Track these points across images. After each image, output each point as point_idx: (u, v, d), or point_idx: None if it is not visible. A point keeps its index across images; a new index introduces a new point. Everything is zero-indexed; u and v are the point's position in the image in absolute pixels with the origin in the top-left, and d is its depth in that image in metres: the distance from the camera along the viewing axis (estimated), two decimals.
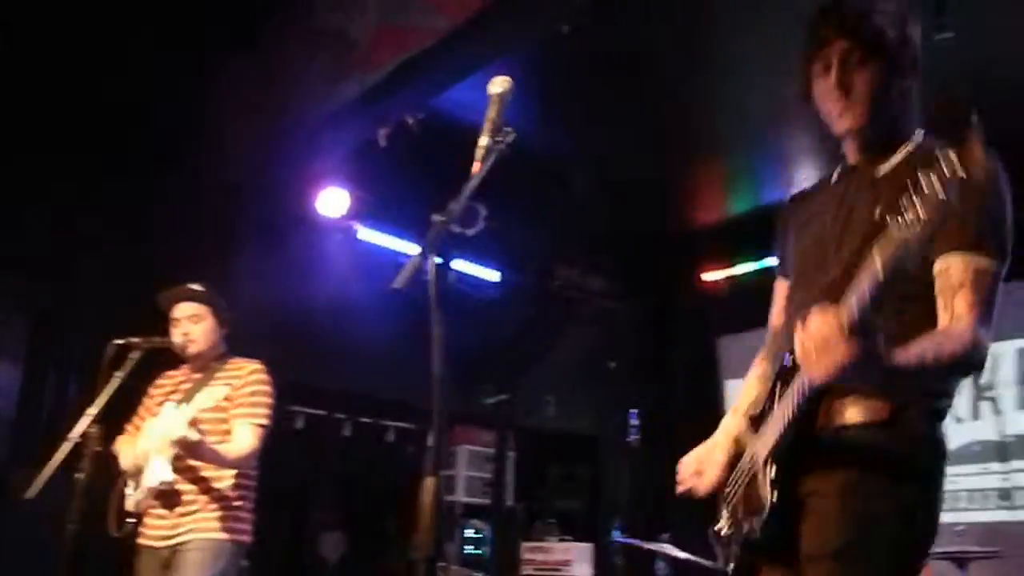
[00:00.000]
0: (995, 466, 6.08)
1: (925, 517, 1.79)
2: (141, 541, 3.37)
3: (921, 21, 2.05)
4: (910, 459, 1.81)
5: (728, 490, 2.05)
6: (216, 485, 3.35)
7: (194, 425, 3.11)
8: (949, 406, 1.88)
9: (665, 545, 5.18)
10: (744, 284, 7.85)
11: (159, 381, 3.66)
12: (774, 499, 1.81)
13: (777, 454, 1.83)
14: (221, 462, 3.28)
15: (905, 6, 1.93)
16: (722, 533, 2.05)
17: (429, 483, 1.61)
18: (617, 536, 5.47)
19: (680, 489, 2.16)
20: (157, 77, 5.62)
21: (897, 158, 1.92)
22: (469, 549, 7.47)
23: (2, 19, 5.10)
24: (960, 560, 4.66)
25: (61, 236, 5.75)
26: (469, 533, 7.52)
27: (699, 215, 7.75)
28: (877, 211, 1.78)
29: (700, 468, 2.14)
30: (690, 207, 7.61)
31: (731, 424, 2.16)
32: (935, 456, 1.83)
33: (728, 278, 7.95)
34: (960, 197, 1.69)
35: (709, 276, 8.00)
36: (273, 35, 5.93)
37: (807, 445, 1.82)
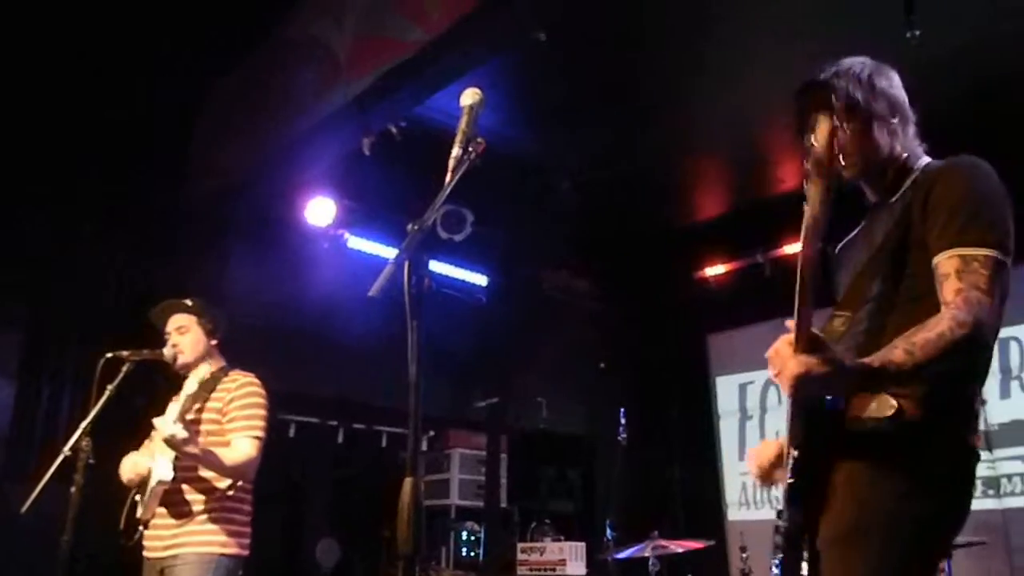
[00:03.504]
0: (981, 455, 6.14)
1: (928, 507, 1.83)
2: (144, 552, 3.39)
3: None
4: (906, 448, 1.86)
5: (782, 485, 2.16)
6: (215, 495, 3.36)
7: (183, 422, 3.13)
8: (960, 392, 1.91)
9: (656, 541, 5.24)
10: (732, 282, 7.93)
11: (176, 395, 3.69)
12: (791, 480, 1.92)
13: (792, 441, 1.94)
14: (217, 465, 3.29)
15: (868, 65, 2.14)
16: (775, 525, 2.14)
17: (408, 483, 1.67)
18: (609, 536, 5.52)
19: (753, 475, 2.30)
20: (147, 93, 5.67)
21: (905, 186, 2.09)
22: (464, 551, 7.52)
23: (4, 27, 5.14)
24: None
25: (52, 251, 5.79)
26: (464, 535, 7.57)
27: (686, 215, 7.81)
28: (882, 232, 2.02)
29: (758, 461, 2.27)
30: (677, 207, 7.66)
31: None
32: (936, 444, 1.87)
33: (716, 276, 8.02)
34: (937, 201, 1.91)
35: (698, 275, 8.07)
36: (263, 48, 5.98)
37: (826, 434, 1.92)
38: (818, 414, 1.92)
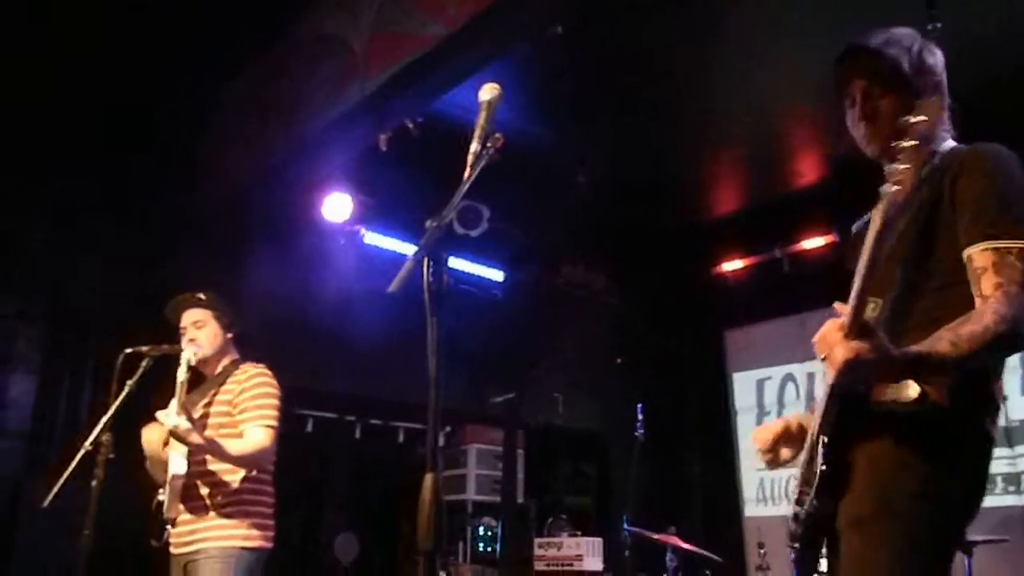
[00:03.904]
0: (1001, 451, 6.10)
1: (946, 493, 1.83)
2: (170, 548, 3.39)
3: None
4: (931, 433, 1.86)
5: (797, 473, 2.15)
6: (233, 489, 3.36)
7: (184, 411, 3.11)
8: (983, 384, 1.91)
9: (672, 537, 5.24)
10: (750, 278, 7.90)
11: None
12: (823, 467, 1.91)
13: (825, 428, 1.93)
14: (223, 455, 3.27)
15: (918, 39, 2.10)
16: (791, 515, 2.12)
17: (428, 479, 1.68)
18: (626, 528, 5.52)
19: (761, 455, 2.26)
20: (163, 85, 5.69)
21: (926, 170, 2.05)
22: (481, 546, 7.54)
23: (11, 23, 5.17)
24: (965, 546, 4.67)
25: (71, 248, 5.83)
26: (481, 530, 7.59)
27: (704, 210, 7.79)
28: (905, 218, 1.98)
29: (763, 441, 2.24)
30: (694, 202, 7.65)
31: (802, 413, 2.30)
32: (959, 432, 1.87)
33: (734, 271, 8.00)
34: (965, 190, 1.88)
35: (715, 270, 8.05)
36: (280, 43, 5.99)
37: (854, 419, 1.91)
38: (850, 401, 1.91)
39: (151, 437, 3.41)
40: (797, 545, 2.09)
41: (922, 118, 1.76)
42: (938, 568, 1.87)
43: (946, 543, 1.90)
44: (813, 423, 2.02)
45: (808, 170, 6.88)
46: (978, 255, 1.84)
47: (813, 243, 7.24)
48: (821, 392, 2.00)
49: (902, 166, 1.73)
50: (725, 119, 6.14)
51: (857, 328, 1.74)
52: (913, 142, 1.74)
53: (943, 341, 1.75)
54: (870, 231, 1.79)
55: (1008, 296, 1.77)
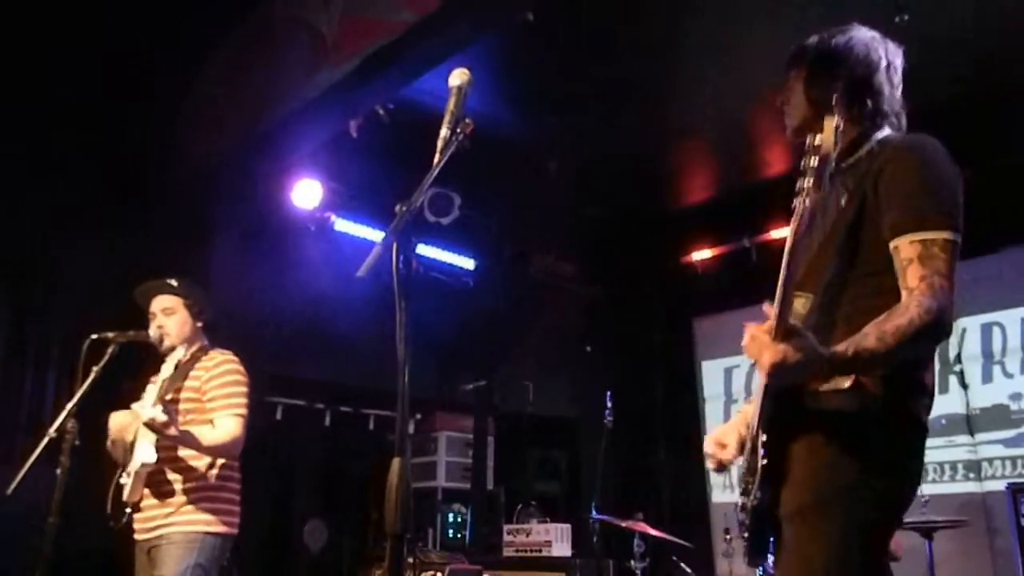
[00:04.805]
0: (962, 439, 6.21)
1: (883, 479, 1.87)
2: (134, 535, 3.39)
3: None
4: (866, 423, 1.90)
5: (742, 463, 2.18)
6: (199, 475, 3.37)
7: (163, 405, 3.12)
8: (915, 373, 1.95)
9: (639, 523, 5.29)
10: (719, 267, 7.95)
11: (153, 377, 3.67)
12: (764, 461, 1.94)
13: (763, 424, 1.97)
14: (197, 446, 3.28)
15: (844, 33, 2.15)
16: (738, 504, 2.15)
17: (396, 463, 1.69)
18: (594, 514, 5.56)
19: (711, 463, 2.30)
20: (132, 74, 5.61)
21: (859, 155, 2.08)
22: (450, 533, 7.57)
23: None
24: (925, 530, 4.78)
25: (37, 233, 5.75)
26: (450, 517, 7.62)
27: (674, 199, 7.82)
28: (836, 208, 2.01)
29: (722, 441, 2.27)
30: (664, 191, 7.67)
31: (745, 406, 2.33)
32: (893, 421, 1.91)
33: (703, 260, 8.05)
34: (890, 181, 1.91)
35: (684, 259, 8.09)
36: (247, 30, 5.93)
37: (791, 413, 1.95)
38: (786, 395, 1.95)
39: (119, 420, 3.41)
40: (747, 535, 2.13)
41: (819, 139, 1.79)
42: (874, 555, 1.91)
43: (882, 530, 1.94)
44: (752, 417, 2.05)
45: (777, 160, 6.92)
46: (904, 246, 1.87)
47: (781, 233, 7.30)
48: (758, 385, 2.03)
49: (808, 182, 1.79)
50: (694, 109, 6.16)
51: (783, 330, 1.78)
52: (813, 163, 1.78)
53: (870, 337, 1.78)
54: (786, 246, 1.82)
55: (932, 287, 1.81)
